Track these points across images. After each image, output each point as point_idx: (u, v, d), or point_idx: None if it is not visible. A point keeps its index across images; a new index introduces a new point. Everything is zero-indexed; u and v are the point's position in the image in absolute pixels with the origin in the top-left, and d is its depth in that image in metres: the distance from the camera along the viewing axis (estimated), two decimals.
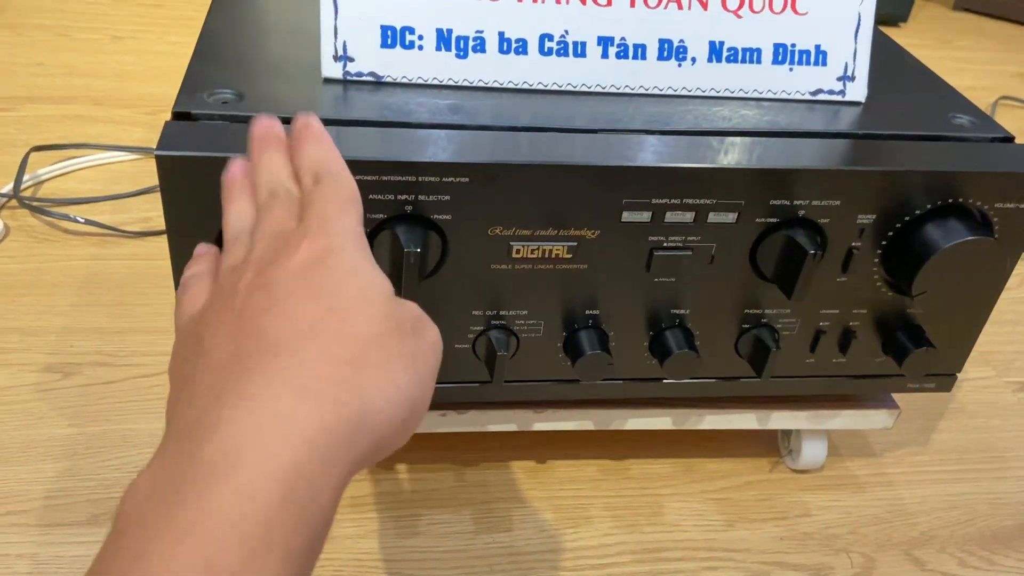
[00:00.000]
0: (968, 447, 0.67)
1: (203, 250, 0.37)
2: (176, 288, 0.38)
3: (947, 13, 1.66)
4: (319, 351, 0.29)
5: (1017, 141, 0.50)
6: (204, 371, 0.29)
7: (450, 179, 0.42)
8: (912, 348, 0.51)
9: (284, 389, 0.28)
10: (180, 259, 0.41)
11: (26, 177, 0.82)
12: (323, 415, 0.27)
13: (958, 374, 0.55)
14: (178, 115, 0.43)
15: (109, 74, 1.06)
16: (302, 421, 0.27)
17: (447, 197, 0.43)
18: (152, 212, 0.82)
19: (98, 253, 0.76)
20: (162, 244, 0.78)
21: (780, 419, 0.58)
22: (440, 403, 0.54)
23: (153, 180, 0.85)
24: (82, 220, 0.78)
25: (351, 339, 0.29)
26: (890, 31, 1.51)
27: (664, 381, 0.53)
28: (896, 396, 0.60)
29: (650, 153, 0.45)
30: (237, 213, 0.36)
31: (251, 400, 0.27)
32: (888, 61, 0.58)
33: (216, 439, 0.27)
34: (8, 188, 0.81)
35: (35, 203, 0.80)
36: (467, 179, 0.43)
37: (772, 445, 0.65)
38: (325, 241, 0.32)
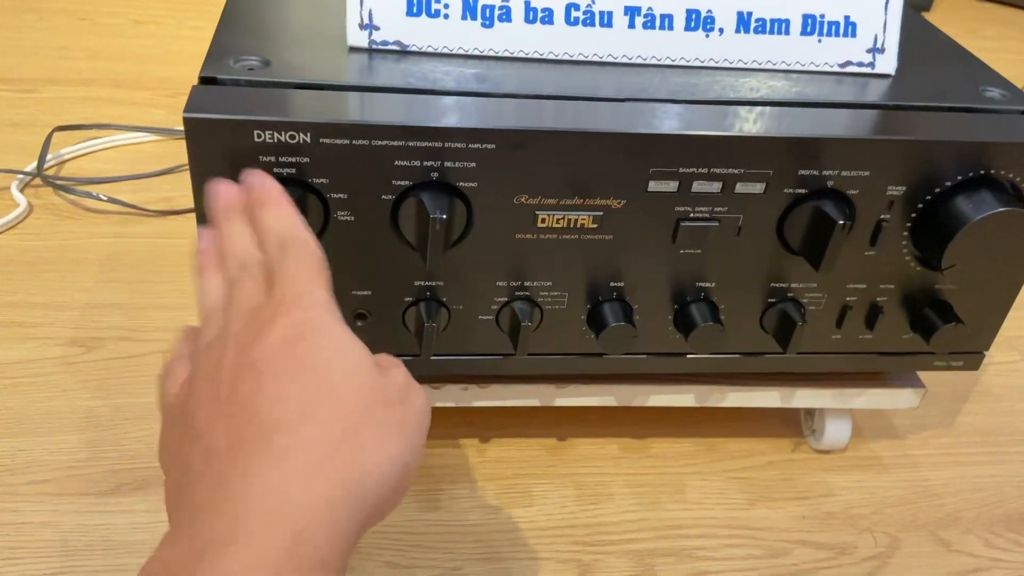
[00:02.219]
0: (994, 430, 0.66)
1: (188, 336, 0.38)
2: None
3: (971, 3, 1.63)
4: (314, 434, 0.30)
5: None
6: (203, 456, 0.31)
7: (476, 146, 0.42)
8: (940, 324, 0.50)
9: (286, 470, 0.29)
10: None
11: (49, 156, 0.83)
12: (325, 490, 0.29)
13: (985, 352, 0.54)
14: (204, 80, 0.43)
15: (130, 58, 1.06)
16: (304, 497, 0.29)
17: (473, 164, 0.43)
18: (174, 192, 0.82)
19: (120, 231, 0.77)
20: (183, 223, 0.79)
21: (804, 397, 0.57)
22: (463, 375, 0.54)
23: (175, 161, 0.86)
24: (105, 198, 0.79)
25: (342, 417, 0.31)
26: None
27: (688, 356, 0.53)
28: (921, 378, 0.59)
29: (677, 121, 0.44)
30: (208, 289, 0.37)
31: (256, 478, 0.29)
32: (916, 36, 0.58)
33: (224, 515, 0.28)
34: (32, 167, 0.81)
35: (58, 181, 0.81)
36: (493, 146, 0.42)
37: (795, 426, 0.64)
38: (302, 315, 0.33)
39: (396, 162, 0.42)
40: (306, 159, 0.41)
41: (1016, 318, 0.76)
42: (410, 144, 0.42)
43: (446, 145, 0.42)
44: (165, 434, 0.34)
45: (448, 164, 0.43)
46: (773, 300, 0.50)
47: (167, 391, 0.35)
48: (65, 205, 0.79)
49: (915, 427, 0.65)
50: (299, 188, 0.42)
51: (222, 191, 0.39)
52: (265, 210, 0.38)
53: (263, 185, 0.39)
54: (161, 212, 0.79)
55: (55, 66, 1.02)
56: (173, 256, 0.74)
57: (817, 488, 0.60)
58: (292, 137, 0.40)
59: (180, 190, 0.83)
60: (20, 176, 0.80)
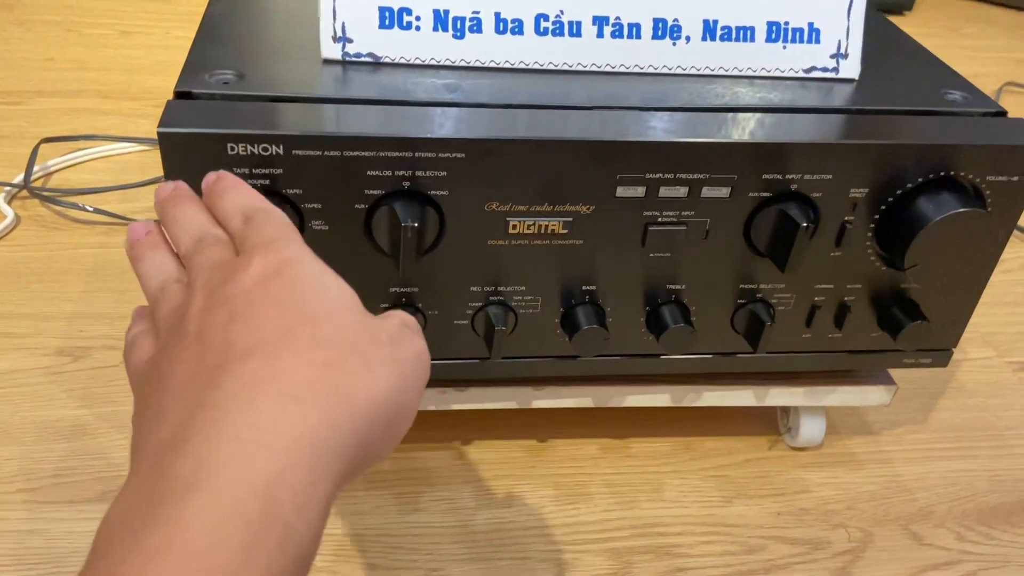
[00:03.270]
0: (967, 425, 0.67)
1: (142, 311, 0.35)
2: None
3: (953, 1, 1.65)
4: (294, 355, 0.27)
5: None
6: (169, 394, 0.27)
7: (446, 155, 0.43)
8: (906, 322, 0.51)
9: (259, 395, 0.25)
10: None
11: (36, 168, 0.84)
12: (304, 419, 0.25)
13: (954, 349, 0.56)
14: (180, 94, 0.44)
15: (117, 68, 1.07)
16: (282, 428, 0.25)
17: (444, 173, 0.44)
18: None
19: (107, 241, 0.77)
20: None
21: (777, 395, 0.59)
22: (440, 380, 0.55)
23: (161, 170, 0.86)
24: (91, 209, 0.80)
25: (327, 344, 0.27)
26: (895, 20, 1.51)
27: (661, 357, 0.54)
28: (895, 376, 0.61)
29: (643, 128, 0.45)
30: (153, 267, 0.33)
31: (223, 410, 0.25)
32: (882, 39, 0.59)
33: (188, 453, 0.24)
34: (19, 179, 0.82)
35: (45, 193, 0.82)
36: (463, 155, 0.43)
37: (771, 424, 0.65)
38: (279, 255, 0.30)
39: (368, 172, 0.43)
40: (280, 170, 0.42)
41: (989, 314, 0.78)
42: (382, 154, 0.43)
43: (417, 155, 0.43)
44: (136, 399, 0.30)
45: (420, 173, 0.44)
46: (742, 301, 0.51)
47: (133, 363, 0.32)
48: (52, 216, 0.80)
49: (889, 423, 0.66)
50: (274, 199, 0.42)
51: (166, 185, 0.36)
52: (223, 194, 0.35)
53: (219, 173, 0.36)
54: None
55: (42, 77, 1.03)
56: None
57: (793, 485, 0.61)
58: (265, 149, 0.41)
59: None
60: (7, 188, 0.81)
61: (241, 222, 0.33)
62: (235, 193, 0.35)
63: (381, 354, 0.29)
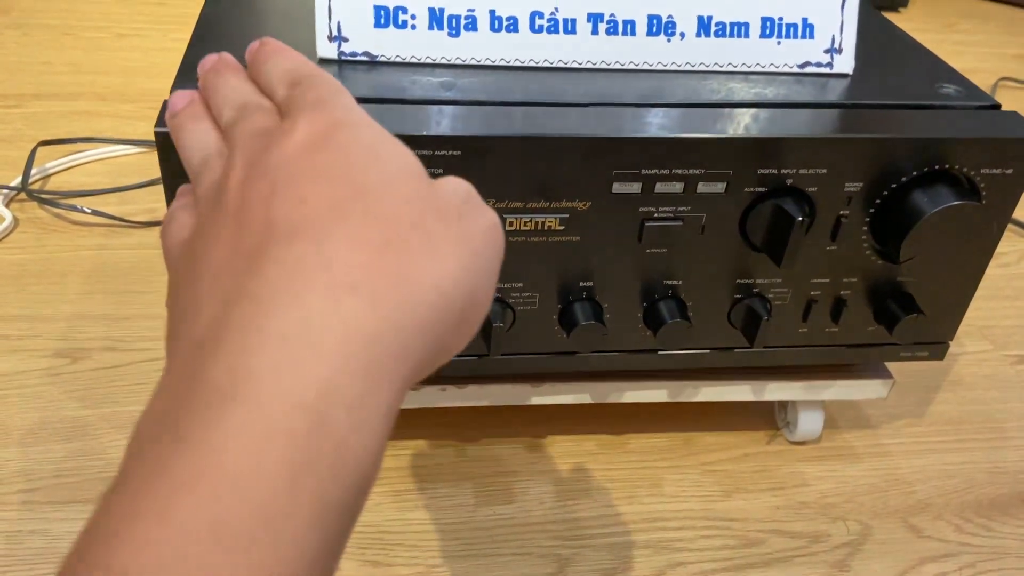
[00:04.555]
0: (965, 418, 0.67)
1: (187, 188, 0.31)
2: None
3: None
4: (346, 235, 0.22)
5: None
6: (204, 281, 0.24)
7: (443, 152, 0.43)
8: (902, 315, 0.52)
9: (306, 284, 0.21)
10: None
11: (34, 171, 0.84)
12: (360, 314, 0.21)
13: (950, 342, 0.56)
14: None
15: (114, 71, 1.07)
16: (334, 324, 0.21)
17: (440, 171, 0.44)
18: (157, 203, 0.83)
19: (105, 243, 0.78)
20: None
21: (775, 390, 0.59)
22: (439, 377, 0.55)
23: (158, 172, 0.87)
24: (89, 211, 0.80)
25: (384, 222, 0.23)
26: (890, 16, 1.51)
27: (659, 352, 0.54)
28: (893, 369, 0.61)
29: (638, 124, 0.45)
30: (196, 139, 0.30)
31: (264, 303, 0.21)
32: (876, 34, 0.59)
33: (222, 356, 0.21)
34: (17, 181, 0.82)
35: (43, 195, 0.82)
36: (459, 152, 0.44)
37: (769, 419, 0.65)
38: (328, 116, 0.26)
39: None
40: None
41: (987, 308, 0.78)
42: None
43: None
44: (170, 281, 0.27)
45: None
46: (739, 296, 0.52)
47: (170, 239, 0.28)
48: (50, 219, 0.80)
49: (888, 417, 0.67)
50: None
51: (211, 55, 0.32)
52: (267, 60, 0.31)
53: (264, 40, 0.32)
54: (145, 223, 0.80)
55: (39, 81, 1.03)
56: (157, 266, 0.75)
57: (792, 479, 0.61)
58: None
59: (164, 201, 0.83)
60: (5, 191, 0.81)
61: (287, 88, 0.29)
62: (280, 57, 0.31)
63: (449, 231, 0.24)
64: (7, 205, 0.80)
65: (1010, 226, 0.87)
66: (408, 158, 0.26)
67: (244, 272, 0.22)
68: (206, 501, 0.19)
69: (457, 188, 0.27)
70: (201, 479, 0.19)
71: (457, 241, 0.24)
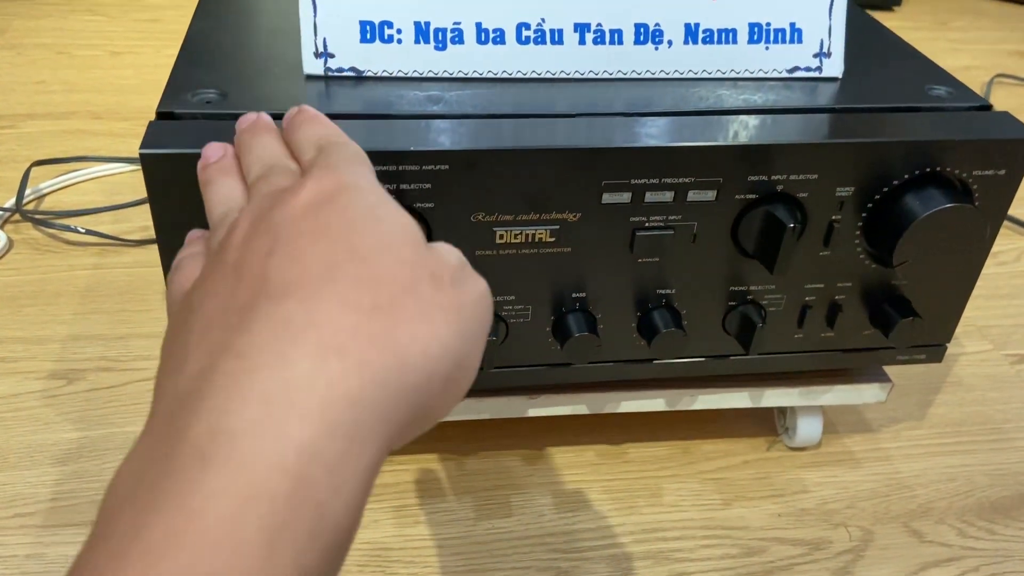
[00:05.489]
0: (966, 420, 0.67)
1: (196, 234, 0.33)
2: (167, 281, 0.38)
3: None
4: (337, 296, 0.23)
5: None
6: (194, 332, 0.24)
7: (431, 167, 0.43)
8: (898, 319, 0.51)
9: (293, 344, 0.21)
10: (168, 255, 0.42)
11: (28, 191, 0.84)
12: (345, 376, 0.21)
13: (947, 344, 0.55)
14: (162, 115, 0.44)
15: (108, 89, 1.07)
16: (318, 386, 0.21)
17: (429, 185, 0.44)
18: (151, 221, 0.83)
19: (100, 262, 0.78)
20: None
21: (773, 396, 0.58)
22: None
23: None
24: (83, 230, 0.80)
25: (377, 284, 0.23)
26: (884, 15, 1.51)
27: (654, 362, 0.54)
28: (892, 372, 0.60)
29: (627, 134, 0.45)
30: (222, 193, 0.31)
31: (249, 361, 0.21)
32: (865, 37, 0.59)
33: (203, 414, 0.20)
34: (11, 203, 0.82)
35: (37, 216, 0.82)
36: (447, 166, 0.43)
37: (769, 426, 0.65)
38: (336, 178, 0.26)
39: None
40: None
41: (985, 307, 0.77)
42: None
43: (401, 168, 0.43)
44: (168, 328, 0.27)
45: (405, 186, 0.44)
46: (733, 303, 0.51)
47: (175, 288, 0.29)
48: (44, 239, 0.80)
49: (887, 420, 0.66)
50: None
51: (250, 115, 0.35)
52: (300, 127, 0.32)
53: (300, 107, 0.34)
54: (139, 241, 0.80)
55: (33, 100, 1.03)
56: (152, 284, 0.75)
57: (792, 485, 0.61)
58: None
59: None
60: None
61: (314, 153, 0.30)
62: (314, 124, 0.32)
63: (440, 297, 0.25)
64: (1, 227, 0.80)
65: (1007, 224, 0.87)
66: (406, 221, 0.26)
67: (234, 327, 0.22)
68: (182, 568, 0.18)
69: (451, 255, 0.27)
70: (178, 544, 0.19)
71: (448, 307, 0.25)
